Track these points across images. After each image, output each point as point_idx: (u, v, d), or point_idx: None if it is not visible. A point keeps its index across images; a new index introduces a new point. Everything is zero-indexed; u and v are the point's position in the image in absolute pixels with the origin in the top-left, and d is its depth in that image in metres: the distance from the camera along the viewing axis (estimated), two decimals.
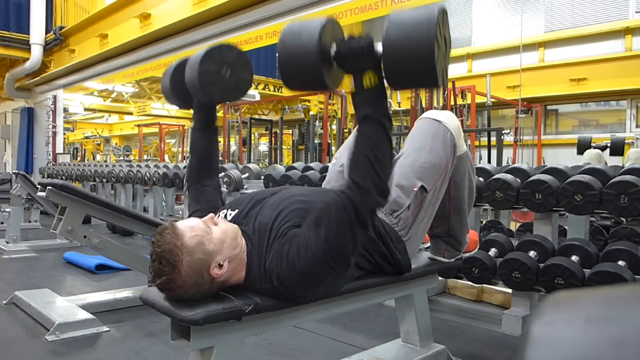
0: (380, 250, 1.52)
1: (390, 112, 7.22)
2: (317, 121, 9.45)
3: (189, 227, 1.24)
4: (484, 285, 2.88)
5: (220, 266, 1.25)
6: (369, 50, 1.18)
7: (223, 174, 4.55)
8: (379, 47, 1.17)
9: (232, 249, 1.28)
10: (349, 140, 1.84)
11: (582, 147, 6.16)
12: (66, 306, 2.78)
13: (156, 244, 1.21)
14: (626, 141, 8.75)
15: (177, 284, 1.20)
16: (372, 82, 1.20)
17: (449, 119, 1.68)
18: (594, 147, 6.06)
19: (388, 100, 5.93)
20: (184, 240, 1.21)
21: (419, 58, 1.11)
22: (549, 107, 10.05)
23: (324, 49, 1.19)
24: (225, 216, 1.42)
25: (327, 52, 1.20)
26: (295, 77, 1.24)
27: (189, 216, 1.57)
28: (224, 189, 4.49)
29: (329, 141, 8.87)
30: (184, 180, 1.70)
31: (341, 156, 1.81)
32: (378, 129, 1.23)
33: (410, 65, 1.13)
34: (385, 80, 1.21)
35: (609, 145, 6.05)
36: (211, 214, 1.35)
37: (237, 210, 1.43)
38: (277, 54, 1.23)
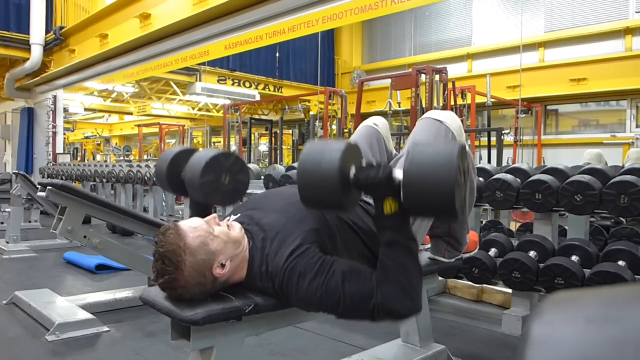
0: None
1: (390, 111, 7.23)
2: (317, 121, 9.45)
3: (192, 227, 1.25)
4: (484, 285, 2.87)
5: (223, 266, 1.25)
6: (388, 181, 1.20)
7: None
8: (397, 174, 1.20)
9: (234, 248, 1.28)
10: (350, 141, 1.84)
11: None
12: (66, 306, 2.78)
13: (159, 243, 1.22)
14: (625, 141, 8.77)
15: (180, 283, 1.20)
16: (393, 208, 1.22)
17: (450, 118, 1.68)
18: None
19: (389, 110, 5.81)
20: (187, 240, 1.21)
21: (439, 200, 1.13)
22: (549, 107, 10.04)
23: (344, 178, 1.20)
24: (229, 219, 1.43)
25: (347, 177, 1.22)
26: (315, 201, 1.27)
27: None
28: None
29: None
30: None
31: None
32: (405, 253, 1.25)
33: (430, 204, 1.15)
34: None
35: None
36: (214, 215, 1.35)
37: (239, 214, 1.44)
38: (297, 177, 1.26)
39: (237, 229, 1.33)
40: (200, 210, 1.68)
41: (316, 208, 1.32)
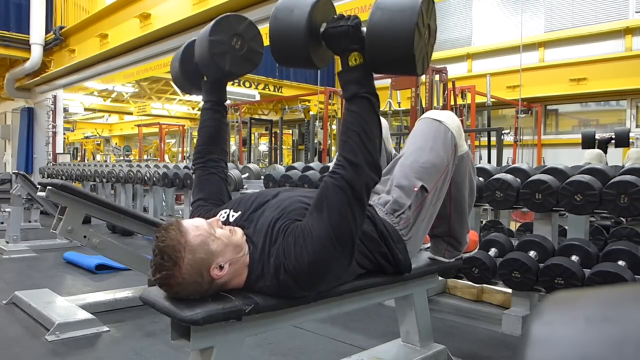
0: (381, 250, 1.52)
1: (390, 111, 7.24)
2: (317, 121, 9.45)
3: (194, 226, 1.25)
4: (484, 285, 2.88)
5: (221, 268, 1.25)
6: (355, 32, 1.21)
7: None
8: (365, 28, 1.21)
9: (235, 253, 1.28)
10: None
11: (587, 142, 6.01)
12: (66, 306, 2.78)
13: (160, 238, 1.22)
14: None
15: (177, 280, 1.20)
16: (358, 61, 1.22)
17: (450, 118, 1.67)
18: (599, 141, 5.92)
19: (388, 100, 5.89)
20: (188, 238, 1.22)
21: (399, 44, 1.15)
22: (549, 107, 10.05)
23: (313, 28, 1.21)
24: (228, 216, 1.43)
25: (317, 31, 1.22)
26: (284, 53, 1.25)
27: (193, 203, 1.61)
28: None
29: (329, 141, 8.87)
30: (191, 163, 1.71)
31: None
32: (366, 106, 1.26)
33: (390, 50, 1.16)
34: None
35: (613, 137, 5.93)
36: (217, 218, 1.35)
37: (239, 212, 1.43)
38: (269, 27, 1.24)
39: (239, 235, 1.33)
40: (213, 91, 1.65)
41: (286, 62, 1.30)
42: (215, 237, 1.26)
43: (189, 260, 1.20)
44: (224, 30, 1.48)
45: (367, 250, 1.49)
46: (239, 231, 1.34)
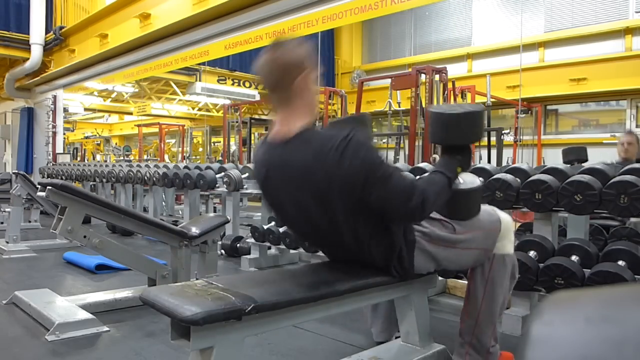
0: (401, 253, 1.64)
1: (390, 111, 7.21)
2: (317, 121, 9.44)
3: None
4: None
5: (306, 83, 1.50)
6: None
7: (223, 174, 4.55)
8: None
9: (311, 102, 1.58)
10: None
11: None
12: (66, 306, 2.78)
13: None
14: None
15: (286, 52, 1.48)
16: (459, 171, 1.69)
17: (506, 219, 1.88)
18: None
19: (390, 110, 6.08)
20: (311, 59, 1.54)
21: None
22: (549, 107, 10.05)
23: None
24: None
25: None
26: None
27: None
28: (224, 189, 4.49)
29: None
30: None
31: None
32: (448, 181, 1.61)
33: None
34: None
35: None
36: None
37: None
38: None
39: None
40: None
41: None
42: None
43: (301, 54, 1.50)
44: None
45: (384, 248, 1.59)
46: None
